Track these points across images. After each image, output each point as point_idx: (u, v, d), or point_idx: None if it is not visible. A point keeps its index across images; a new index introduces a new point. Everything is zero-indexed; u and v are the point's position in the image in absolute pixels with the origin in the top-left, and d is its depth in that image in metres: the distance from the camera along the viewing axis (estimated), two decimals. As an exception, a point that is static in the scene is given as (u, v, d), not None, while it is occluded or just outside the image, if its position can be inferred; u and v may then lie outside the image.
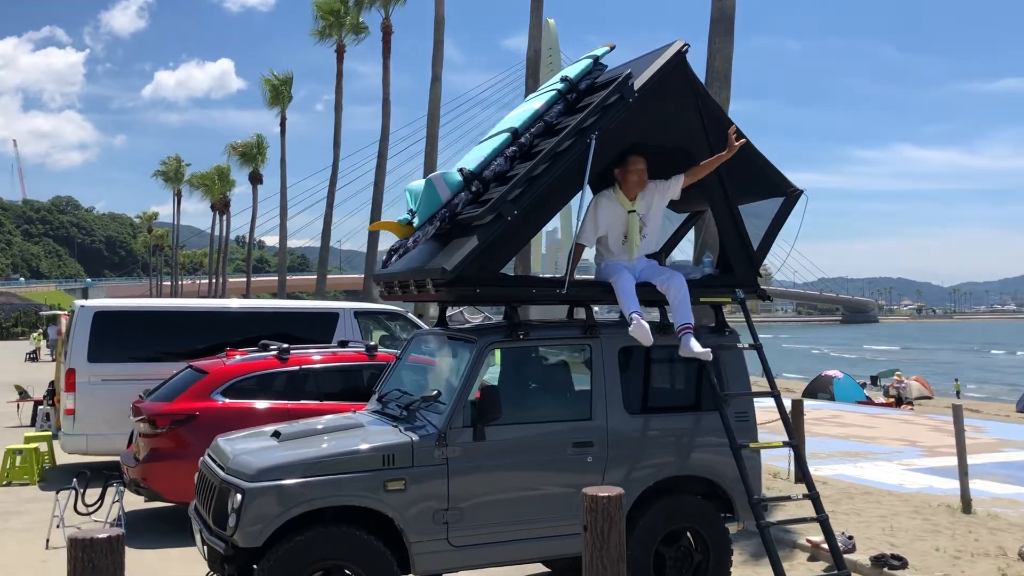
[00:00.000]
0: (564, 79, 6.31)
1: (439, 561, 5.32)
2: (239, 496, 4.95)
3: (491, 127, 6.65)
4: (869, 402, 26.16)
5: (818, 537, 7.75)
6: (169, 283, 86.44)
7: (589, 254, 6.47)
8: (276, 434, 5.58)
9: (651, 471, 5.85)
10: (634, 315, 5.63)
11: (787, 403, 6.58)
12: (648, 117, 5.99)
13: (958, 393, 34.07)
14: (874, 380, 33.60)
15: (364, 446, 5.26)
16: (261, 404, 8.41)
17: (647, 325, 5.60)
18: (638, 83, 5.92)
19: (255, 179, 48.81)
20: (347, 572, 5.09)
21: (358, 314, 12.44)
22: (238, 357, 8.84)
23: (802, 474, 5.88)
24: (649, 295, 5.92)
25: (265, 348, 9.18)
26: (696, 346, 5.63)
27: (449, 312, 6.77)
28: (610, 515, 2.95)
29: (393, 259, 5.96)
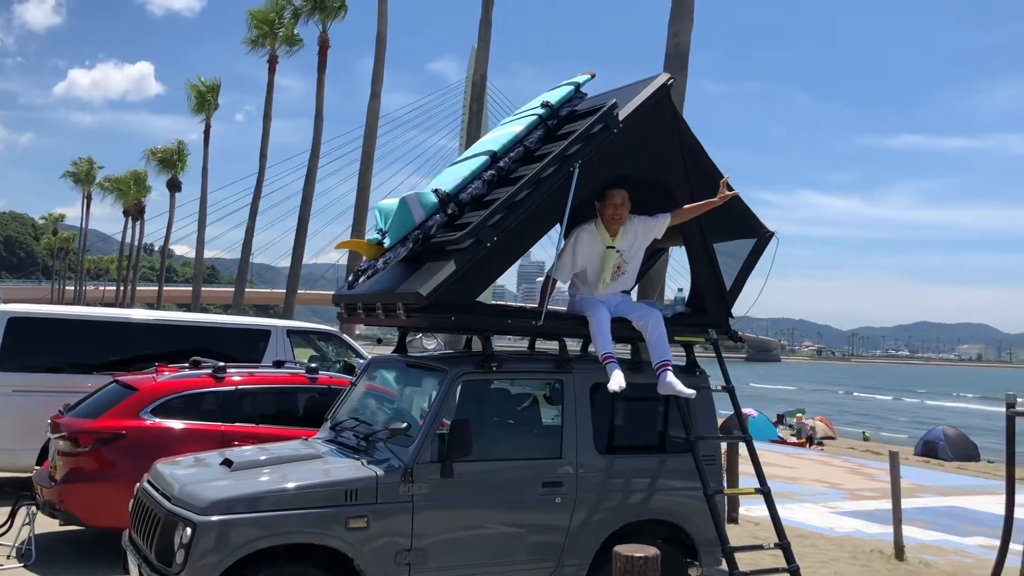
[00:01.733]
0: (545, 104, 6.12)
1: None
2: (188, 530, 4.54)
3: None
4: (781, 441, 26.63)
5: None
6: (73, 288, 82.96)
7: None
8: (227, 462, 5.17)
9: (618, 514, 5.65)
10: (609, 361, 5.45)
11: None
12: (631, 149, 5.86)
13: (866, 438, 35.02)
14: (780, 419, 34.25)
15: (325, 479, 4.92)
16: (194, 425, 7.92)
17: (621, 373, 5.41)
18: (622, 114, 5.79)
19: (173, 186, 47.28)
20: (302, 615, 4.73)
21: (291, 332, 11.97)
22: (170, 374, 8.32)
23: (773, 522, 5.76)
24: (623, 332, 5.76)
25: (197, 365, 8.69)
26: (677, 383, 5.48)
27: (408, 338, 6.47)
28: (644, 574, 2.73)
29: (361, 280, 5.64)
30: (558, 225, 5.68)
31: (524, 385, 5.81)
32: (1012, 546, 7.54)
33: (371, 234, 5.78)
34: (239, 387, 8.30)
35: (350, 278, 5.79)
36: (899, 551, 9.44)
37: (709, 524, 5.95)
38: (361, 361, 12.25)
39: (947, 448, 26.53)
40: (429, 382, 5.60)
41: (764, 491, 5.73)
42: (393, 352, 6.40)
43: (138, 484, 5.65)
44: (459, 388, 5.31)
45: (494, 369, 5.44)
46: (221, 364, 8.44)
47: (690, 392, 5.53)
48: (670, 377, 5.51)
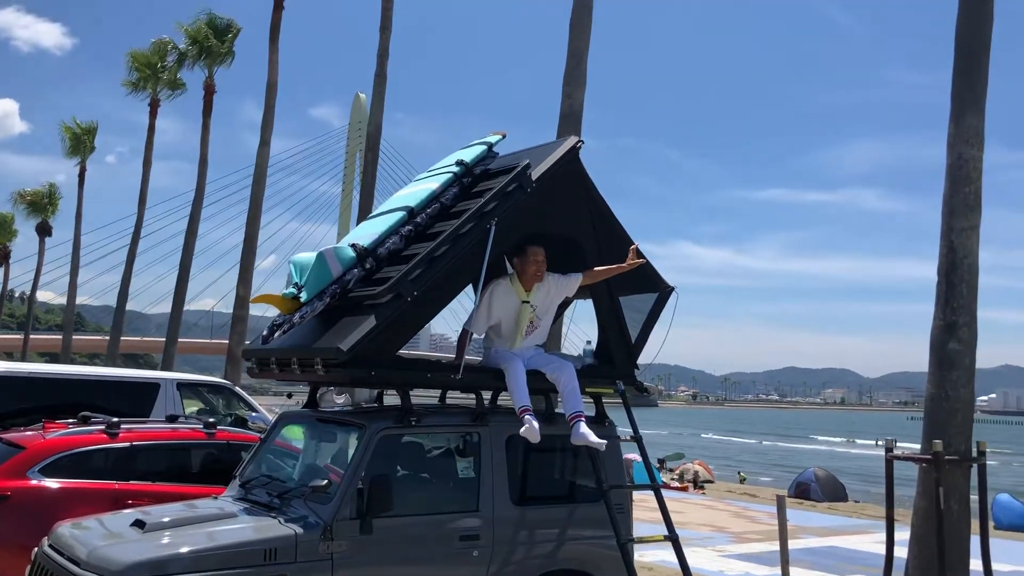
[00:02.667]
0: (459, 163, 6.30)
1: None
2: None
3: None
4: (665, 486, 27.25)
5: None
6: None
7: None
8: (139, 523, 5.02)
9: (532, 565, 5.74)
10: (526, 413, 5.59)
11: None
12: (543, 208, 6.08)
13: (742, 481, 36.10)
14: (661, 463, 35.02)
15: (242, 539, 4.83)
16: (85, 484, 7.58)
17: (537, 425, 5.56)
18: (535, 174, 6.01)
19: (43, 231, 45.07)
20: None
21: (181, 385, 11.63)
22: (60, 431, 7.97)
23: (682, 568, 5.97)
24: (537, 384, 5.90)
25: (86, 421, 8.36)
26: (590, 435, 5.65)
27: (320, 392, 6.44)
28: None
29: (276, 335, 5.61)
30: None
31: (440, 439, 5.86)
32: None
33: (287, 288, 5.76)
34: (134, 443, 8.02)
35: (264, 332, 5.75)
36: (785, 591, 9.81)
37: (618, 572, 6.11)
38: (254, 415, 12.00)
39: (819, 489, 27.54)
40: (346, 437, 5.59)
41: (672, 538, 5.94)
42: (304, 407, 6.36)
43: (36, 548, 5.40)
44: (378, 443, 5.33)
45: (413, 423, 5.48)
46: (114, 420, 8.14)
47: (602, 443, 5.72)
48: (583, 428, 5.68)
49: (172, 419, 9.03)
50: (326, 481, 5.09)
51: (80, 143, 38.22)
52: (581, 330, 7.06)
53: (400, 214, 5.92)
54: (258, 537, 4.85)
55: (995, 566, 7.69)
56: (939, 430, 7.61)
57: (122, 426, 8.08)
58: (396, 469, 5.57)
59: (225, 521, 5.14)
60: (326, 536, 4.98)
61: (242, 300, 19.56)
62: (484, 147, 6.48)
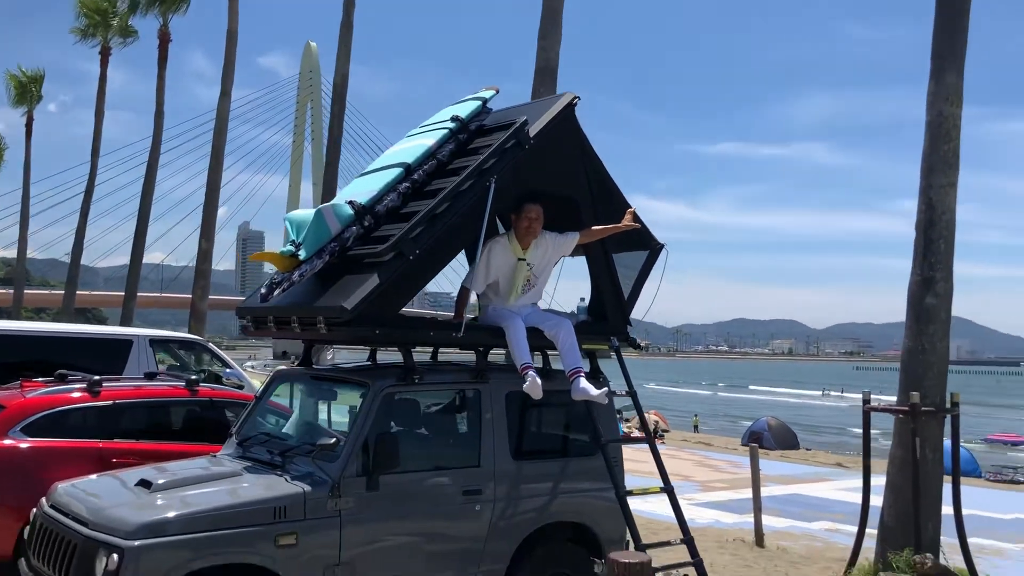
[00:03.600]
0: (455, 119, 6.23)
1: None
2: (115, 556, 4.37)
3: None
4: (627, 436, 27.68)
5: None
6: None
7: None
8: (144, 483, 4.99)
9: (532, 517, 5.83)
10: (528, 370, 5.63)
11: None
12: (540, 166, 6.05)
13: (696, 428, 36.82)
14: (619, 413, 35.55)
15: (252, 498, 4.83)
16: (69, 443, 7.49)
17: (539, 381, 5.61)
18: (532, 130, 5.98)
19: (-14, 183, 43.81)
20: (229, 637, 4.64)
21: (154, 342, 11.48)
22: (42, 389, 7.84)
23: (677, 518, 6.11)
24: (535, 341, 5.93)
25: (63, 379, 8.23)
26: (591, 389, 5.72)
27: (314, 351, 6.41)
28: (640, 581, 2.91)
29: (276, 293, 5.55)
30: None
31: (441, 396, 5.89)
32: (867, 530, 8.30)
33: (284, 246, 5.69)
34: (117, 401, 7.93)
35: (263, 290, 5.68)
36: (759, 538, 10.12)
37: (612, 523, 6.24)
38: (228, 371, 11.91)
39: (771, 438, 28.23)
40: (349, 396, 5.59)
41: (668, 489, 6.07)
42: (298, 366, 6.33)
43: (35, 509, 5.35)
44: (382, 401, 5.34)
45: (416, 381, 5.50)
46: (95, 378, 8.03)
47: (604, 397, 5.80)
48: (583, 383, 5.74)
49: (150, 376, 8.92)
50: (334, 439, 5.09)
51: (26, 92, 36.93)
52: (568, 287, 7.08)
53: (397, 171, 5.86)
54: (267, 495, 4.85)
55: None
56: (915, 382, 7.82)
57: (103, 384, 7.98)
58: (400, 426, 5.59)
59: (231, 480, 5.13)
60: (334, 493, 5.00)
61: (204, 254, 19.24)
62: (479, 102, 6.41)
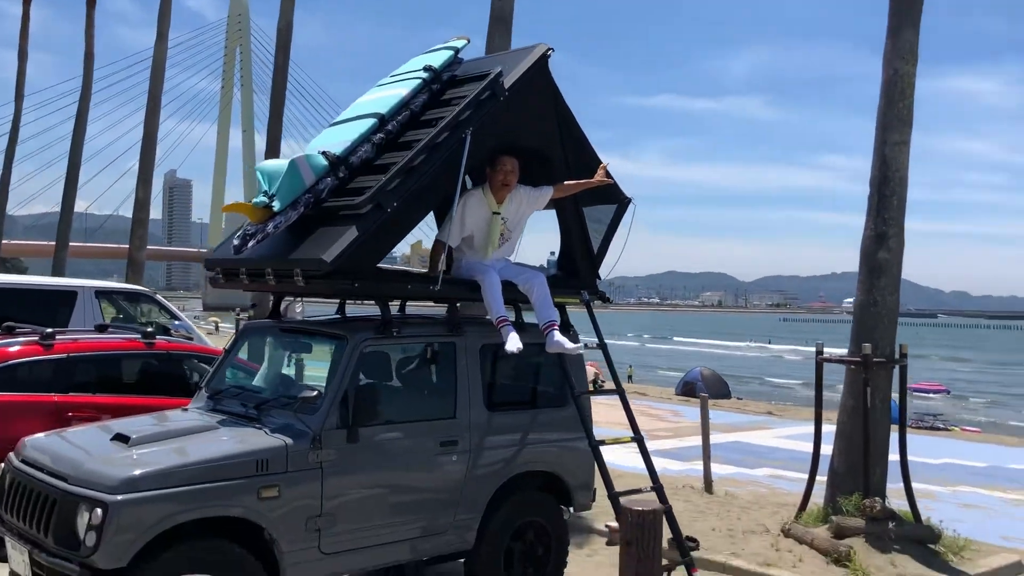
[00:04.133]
0: (427, 68, 6.15)
1: (310, 571, 5.00)
2: (99, 511, 4.31)
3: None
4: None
5: (615, 522, 8.29)
6: None
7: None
8: (121, 437, 4.91)
9: (505, 467, 5.92)
10: (504, 323, 5.66)
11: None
12: (512, 119, 6.03)
13: (630, 378, 37.47)
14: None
15: (235, 450, 4.80)
16: (23, 397, 7.31)
17: (517, 336, 5.65)
18: (507, 82, 5.94)
19: None
20: (213, 590, 4.63)
21: (99, 293, 11.19)
22: (-8, 343, 7.61)
23: (647, 466, 6.26)
24: (509, 295, 5.96)
25: (11, 331, 8.01)
26: (565, 342, 5.78)
27: (284, 304, 6.34)
28: (655, 529, 2.98)
29: (250, 244, 5.46)
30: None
31: (418, 348, 5.90)
32: (815, 478, 8.62)
33: (257, 196, 5.58)
34: (71, 354, 7.75)
35: (236, 242, 5.58)
36: (708, 485, 10.43)
37: (581, 472, 6.41)
38: (177, 323, 11.69)
39: (704, 387, 28.93)
40: (326, 349, 5.56)
41: (638, 438, 6.20)
42: (268, 319, 6.26)
43: (3, 465, 5.23)
44: (361, 354, 5.32)
45: (395, 334, 5.50)
46: (47, 330, 7.82)
47: (578, 349, 5.87)
48: (558, 336, 5.80)
49: (102, 329, 8.72)
50: (316, 392, 5.08)
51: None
52: (533, 240, 7.11)
53: (371, 121, 5.77)
54: (249, 448, 4.83)
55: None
56: (867, 334, 8.08)
57: (56, 336, 7.79)
58: (378, 379, 5.59)
59: (210, 433, 5.08)
60: (315, 445, 4.99)
61: (142, 202, 18.70)
62: (451, 52, 6.34)
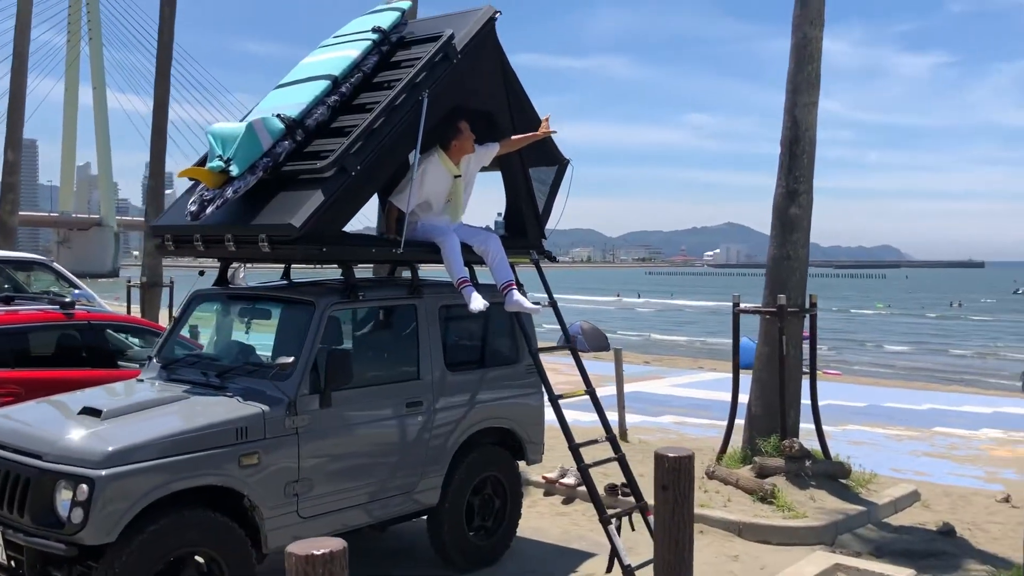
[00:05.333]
0: (376, 29, 6.10)
1: (289, 535, 5.01)
2: (84, 486, 4.21)
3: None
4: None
5: (552, 474, 8.58)
6: None
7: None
8: (91, 411, 4.77)
9: (467, 424, 6.07)
10: (464, 286, 5.75)
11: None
12: (463, 81, 6.07)
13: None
14: None
15: (214, 420, 4.75)
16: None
17: (480, 295, 5.75)
18: (458, 44, 5.97)
19: None
20: (198, 559, 4.62)
21: (-7, 263, 10.59)
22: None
23: (600, 418, 6.51)
24: (465, 256, 6.05)
25: None
26: (524, 301, 5.93)
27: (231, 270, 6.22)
28: (689, 474, 3.18)
29: (208, 210, 5.33)
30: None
31: (381, 312, 5.92)
32: (731, 422, 9.13)
33: (210, 161, 5.44)
34: (-12, 328, 7.37)
35: (193, 208, 5.42)
36: (623, 434, 10.86)
37: (534, 427, 6.64)
38: (77, 292, 11.17)
39: (584, 341, 29.68)
40: (291, 314, 5.53)
41: (590, 391, 6.44)
42: (215, 285, 6.14)
43: None
44: (329, 318, 5.33)
45: (361, 298, 5.52)
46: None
47: (537, 308, 6.03)
48: (517, 295, 5.94)
49: (7, 300, 8.32)
50: (292, 357, 5.06)
51: None
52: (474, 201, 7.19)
53: (325, 83, 5.70)
54: (228, 416, 4.78)
55: (806, 400, 8.93)
56: (781, 286, 8.57)
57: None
58: (347, 343, 5.60)
59: (181, 403, 5.00)
60: (291, 411, 5.00)
61: (12, 165, 17.57)
62: (398, 13, 6.29)
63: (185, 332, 6.33)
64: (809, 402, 8.81)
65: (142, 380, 5.68)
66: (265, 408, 4.92)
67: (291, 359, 5.04)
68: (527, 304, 5.94)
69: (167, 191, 22.64)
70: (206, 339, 6.47)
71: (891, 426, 13.08)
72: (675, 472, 3.28)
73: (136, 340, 8.59)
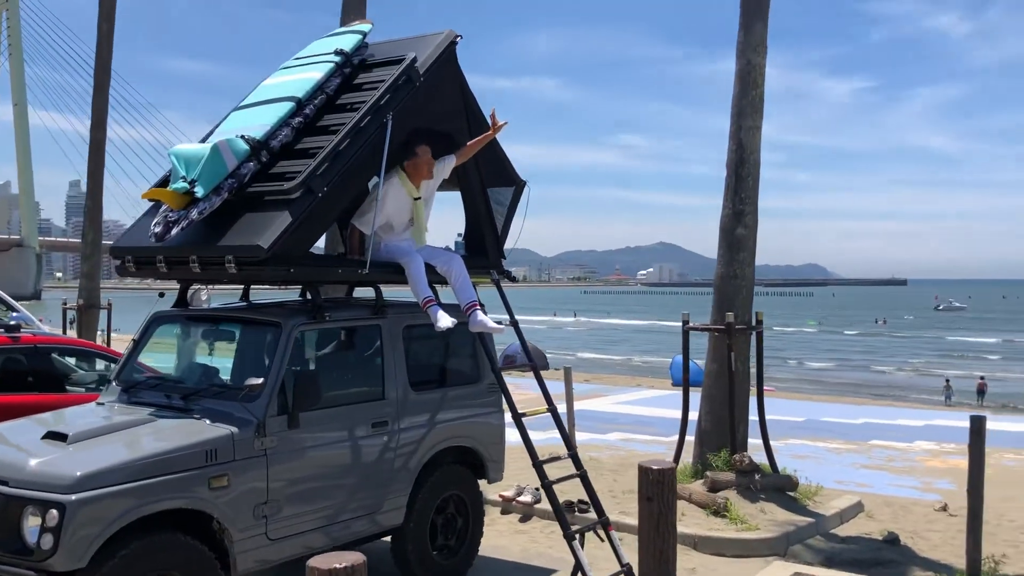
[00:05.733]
0: (339, 52, 6.15)
1: (257, 557, 5.00)
2: (55, 511, 4.14)
3: None
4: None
5: (509, 492, 8.64)
6: None
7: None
8: (57, 435, 4.69)
9: (430, 443, 6.11)
10: (431, 304, 5.80)
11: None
12: (426, 103, 6.14)
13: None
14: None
15: (183, 442, 4.71)
16: None
17: (446, 313, 5.80)
18: (421, 67, 6.05)
19: None
20: (169, 583, 4.56)
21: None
22: None
23: (562, 436, 6.59)
24: (429, 277, 6.10)
25: None
26: (488, 321, 5.99)
27: (191, 291, 6.18)
28: (672, 485, 3.28)
29: (174, 231, 5.29)
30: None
31: (346, 332, 5.93)
32: (679, 438, 9.31)
33: (174, 182, 5.41)
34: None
35: (158, 229, 5.38)
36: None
37: (494, 445, 6.72)
38: (15, 315, 10.90)
39: (525, 360, 29.72)
40: (257, 335, 5.52)
41: (552, 409, 6.53)
42: (174, 307, 6.08)
43: None
44: (296, 339, 5.33)
45: (327, 318, 5.53)
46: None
47: (501, 328, 6.11)
48: (481, 316, 6.01)
49: (-55, 324, 8.10)
50: (263, 379, 5.04)
51: None
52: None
53: (288, 105, 5.72)
54: (197, 439, 4.75)
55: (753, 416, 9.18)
56: (728, 304, 8.81)
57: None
58: (313, 363, 5.60)
59: (148, 426, 4.94)
60: (259, 433, 4.99)
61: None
62: (359, 36, 6.35)
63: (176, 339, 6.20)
64: (756, 417, 9.06)
65: (102, 403, 5.59)
66: (234, 430, 4.90)
67: (261, 380, 5.03)
68: (491, 324, 6.01)
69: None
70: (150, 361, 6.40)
71: (831, 439, 13.47)
72: (659, 484, 3.39)
73: (83, 364, 8.43)
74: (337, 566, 2.06)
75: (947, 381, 36.34)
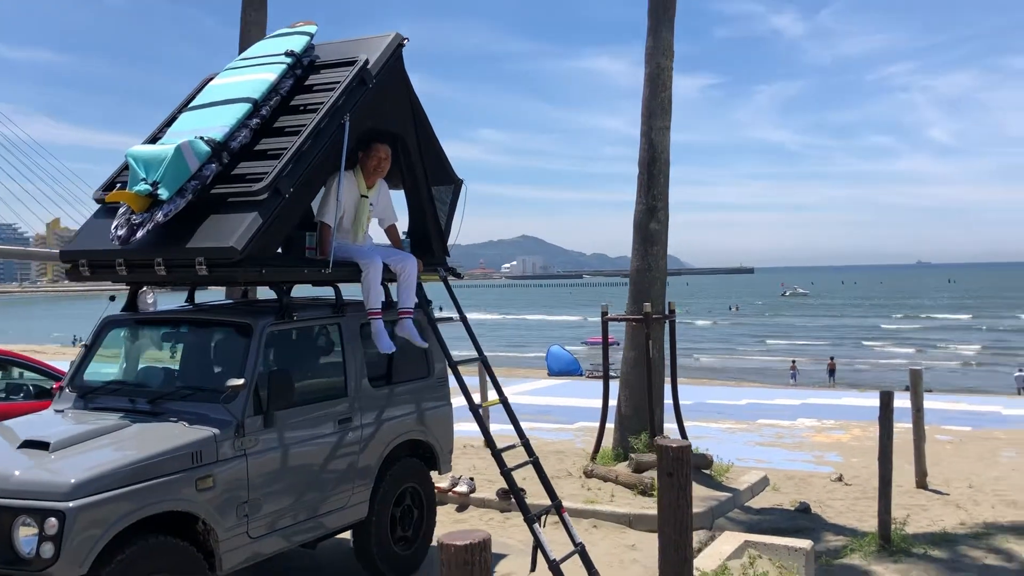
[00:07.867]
0: (289, 53, 6.19)
1: (240, 556, 5.05)
2: (53, 519, 4.10)
3: None
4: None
5: (444, 484, 8.82)
6: None
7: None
8: (38, 444, 4.60)
9: (390, 438, 6.27)
10: (376, 319, 5.96)
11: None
12: (376, 104, 6.27)
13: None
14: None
15: (170, 445, 4.71)
16: None
17: (386, 333, 5.98)
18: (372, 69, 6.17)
19: None
20: (161, 586, 4.57)
21: None
22: None
23: (514, 425, 6.84)
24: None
25: None
26: (415, 335, 6.20)
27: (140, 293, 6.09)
28: (688, 462, 3.58)
29: (139, 234, 5.23)
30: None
31: (310, 331, 5.99)
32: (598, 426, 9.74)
33: (135, 184, 5.34)
34: None
35: (121, 232, 5.29)
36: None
37: (446, 438, 6.93)
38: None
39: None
40: (225, 336, 5.52)
41: (504, 400, 6.78)
42: (124, 311, 6.00)
43: None
44: (267, 339, 5.38)
45: (295, 318, 5.60)
46: None
47: (424, 344, 6.34)
48: (410, 325, 6.21)
49: None
50: (243, 380, 5.07)
51: None
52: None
53: (246, 106, 5.73)
54: (182, 441, 4.75)
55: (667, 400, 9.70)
56: (644, 295, 9.29)
57: None
58: (283, 363, 5.65)
59: (127, 431, 4.90)
60: (239, 433, 5.03)
61: None
62: (307, 37, 6.39)
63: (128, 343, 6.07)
64: (670, 401, 9.59)
65: (60, 410, 5.47)
66: (216, 431, 4.93)
67: (241, 381, 5.06)
68: (417, 339, 6.23)
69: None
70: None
71: (721, 420, 14.28)
72: (678, 461, 3.71)
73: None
74: (472, 542, 2.24)
75: (793, 362, 39.04)
